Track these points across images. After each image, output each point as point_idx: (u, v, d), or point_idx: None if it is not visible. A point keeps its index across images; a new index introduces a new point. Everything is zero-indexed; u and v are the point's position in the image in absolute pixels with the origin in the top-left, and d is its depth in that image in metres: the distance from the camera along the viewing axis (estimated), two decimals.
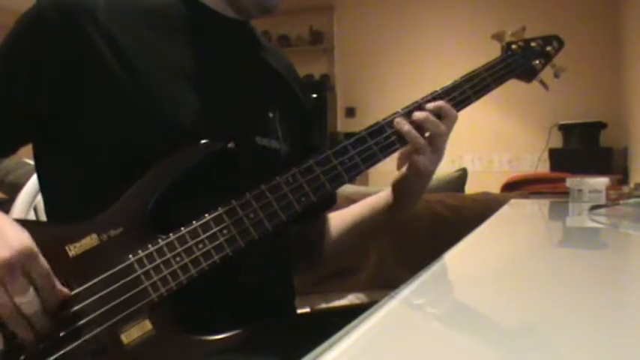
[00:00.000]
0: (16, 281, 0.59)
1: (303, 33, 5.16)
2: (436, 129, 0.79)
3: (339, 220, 0.98)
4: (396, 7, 4.87)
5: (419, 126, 0.79)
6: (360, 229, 0.95)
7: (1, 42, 0.74)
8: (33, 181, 1.11)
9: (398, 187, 0.89)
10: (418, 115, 0.79)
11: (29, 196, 1.10)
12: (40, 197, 1.10)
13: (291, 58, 1.00)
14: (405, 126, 0.78)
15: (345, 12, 5.09)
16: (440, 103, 0.80)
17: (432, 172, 0.83)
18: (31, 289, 0.60)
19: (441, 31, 4.74)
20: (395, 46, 4.88)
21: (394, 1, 4.89)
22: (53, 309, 0.62)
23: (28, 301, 0.59)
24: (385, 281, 1.74)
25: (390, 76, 4.87)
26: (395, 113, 0.80)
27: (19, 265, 0.59)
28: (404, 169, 0.85)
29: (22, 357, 0.61)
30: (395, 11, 4.87)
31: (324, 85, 4.97)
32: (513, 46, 0.93)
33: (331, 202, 0.99)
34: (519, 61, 0.91)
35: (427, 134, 0.80)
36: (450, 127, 0.81)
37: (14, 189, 1.13)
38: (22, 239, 0.61)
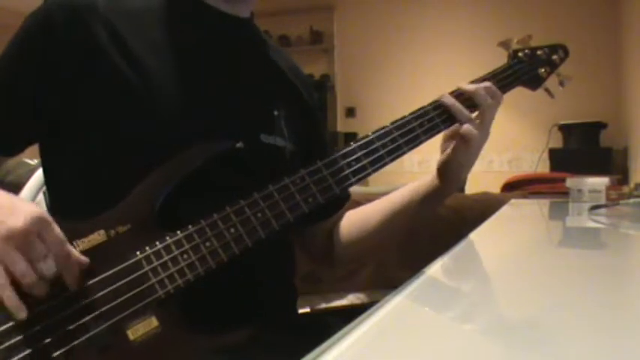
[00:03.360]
0: (35, 248, 0.59)
1: (303, 33, 5.16)
2: (484, 101, 0.81)
3: (359, 218, 0.96)
4: (396, 7, 4.87)
5: (468, 98, 0.82)
6: (404, 215, 0.92)
7: (9, 41, 0.75)
8: (33, 181, 1.11)
9: (445, 167, 0.86)
10: (468, 87, 0.82)
11: (29, 196, 1.11)
12: (40, 197, 1.10)
13: (292, 57, 1.00)
14: (450, 99, 0.81)
15: (345, 12, 5.08)
16: (487, 83, 0.83)
17: (480, 146, 0.83)
18: (50, 256, 0.60)
19: (441, 32, 4.74)
20: (395, 46, 4.88)
21: (394, 2, 4.89)
22: (71, 278, 0.62)
23: (50, 265, 0.60)
24: (385, 281, 1.74)
25: (390, 76, 4.86)
26: (403, 117, 0.81)
27: (34, 233, 0.59)
28: (448, 150, 0.85)
29: (29, 352, 0.61)
30: (395, 11, 4.87)
31: (324, 85, 4.97)
32: (519, 54, 0.94)
33: (343, 202, 0.98)
34: (525, 69, 0.92)
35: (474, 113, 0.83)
36: (496, 106, 0.83)
37: (14, 189, 1.13)
38: (34, 209, 0.61)
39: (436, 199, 0.89)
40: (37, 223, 0.60)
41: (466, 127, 0.81)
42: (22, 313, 0.60)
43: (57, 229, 0.61)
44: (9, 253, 0.59)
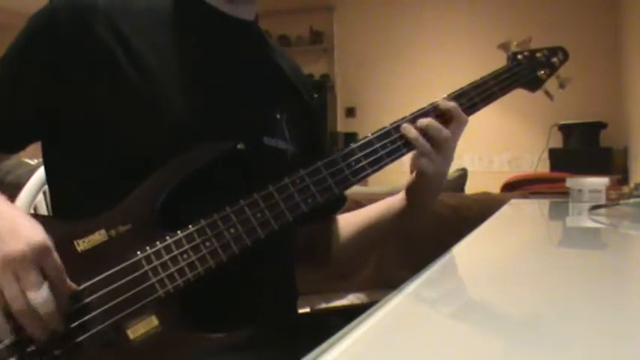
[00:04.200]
0: (30, 275, 0.59)
1: (303, 33, 5.16)
2: (439, 134, 0.80)
3: (352, 221, 0.98)
4: (396, 7, 4.87)
5: (423, 131, 0.80)
6: (378, 230, 0.95)
7: (14, 40, 0.75)
8: (33, 181, 1.11)
9: (410, 190, 0.89)
10: (422, 121, 0.80)
11: (29, 196, 1.11)
12: (40, 197, 1.10)
13: (293, 58, 1.00)
14: (411, 132, 0.79)
15: (345, 12, 5.08)
16: (451, 103, 0.82)
17: (440, 174, 0.83)
18: (45, 285, 0.60)
19: (441, 31, 4.74)
20: (395, 46, 4.87)
21: (394, 2, 4.89)
22: (63, 305, 0.62)
23: (41, 296, 0.59)
24: (385, 281, 1.74)
25: (390, 76, 4.86)
26: (403, 118, 0.81)
27: (33, 260, 0.60)
28: (414, 175, 0.86)
29: (30, 350, 0.62)
30: (395, 11, 4.87)
31: (324, 85, 4.97)
32: (519, 56, 0.94)
33: (340, 204, 0.99)
34: (525, 71, 0.93)
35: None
36: (457, 130, 0.82)
37: (14, 189, 1.13)
38: (37, 234, 0.61)
39: (403, 219, 0.92)
40: (37, 249, 0.60)
41: (421, 161, 0.80)
42: (6, 337, 0.60)
43: (55, 257, 0.62)
44: (5, 277, 0.59)
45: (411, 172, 0.86)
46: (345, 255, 0.98)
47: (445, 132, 0.80)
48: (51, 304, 0.60)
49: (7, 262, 0.59)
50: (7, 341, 0.61)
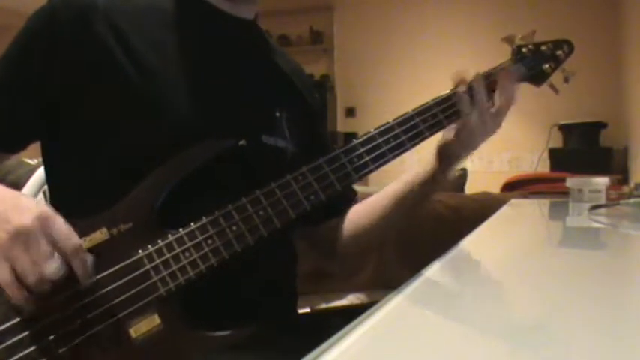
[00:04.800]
0: (41, 245, 0.59)
1: (303, 33, 5.16)
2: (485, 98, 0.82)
3: (364, 209, 0.96)
4: (396, 7, 4.86)
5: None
6: (396, 212, 0.92)
7: (14, 39, 0.75)
8: (33, 181, 1.11)
9: (446, 149, 0.86)
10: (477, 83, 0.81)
11: (29, 196, 1.10)
12: (40, 197, 1.10)
13: (294, 58, 1.00)
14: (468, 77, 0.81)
15: (345, 12, 5.08)
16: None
17: (489, 133, 0.84)
18: (56, 254, 0.60)
19: (441, 32, 4.74)
20: (395, 46, 4.87)
21: (394, 2, 4.88)
22: (82, 270, 0.62)
23: (54, 264, 0.59)
24: (385, 281, 1.74)
25: (390, 76, 4.86)
26: (405, 114, 0.80)
27: (39, 229, 0.59)
28: (450, 130, 0.84)
29: (32, 348, 0.62)
30: (395, 11, 4.87)
31: (324, 85, 4.96)
32: (523, 50, 0.93)
33: (351, 201, 0.98)
34: (529, 65, 0.92)
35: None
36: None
37: (14, 189, 1.13)
38: (38, 204, 0.61)
39: (434, 182, 0.89)
40: (42, 219, 0.60)
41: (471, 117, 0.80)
42: (29, 308, 0.60)
43: (62, 224, 0.61)
44: (14, 252, 0.59)
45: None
46: (364, 240, 0.96)
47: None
48: (64, 271, 0.60)
49: (15, 236, 0.59)
50: (10, 339, 0.61)
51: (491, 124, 0.82)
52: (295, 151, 0.85)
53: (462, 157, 0.86)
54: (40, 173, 1.09)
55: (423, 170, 0.89)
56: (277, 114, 0.84)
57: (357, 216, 0.96)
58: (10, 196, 0.63)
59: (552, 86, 0.95)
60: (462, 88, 0.81)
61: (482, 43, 4.02)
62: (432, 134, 0.81)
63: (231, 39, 0.84)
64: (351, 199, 0.98)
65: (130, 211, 0.68)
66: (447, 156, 0.86)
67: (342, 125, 5.07)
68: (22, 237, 0.59)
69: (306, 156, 0.78)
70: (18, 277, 0.59)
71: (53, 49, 0.72)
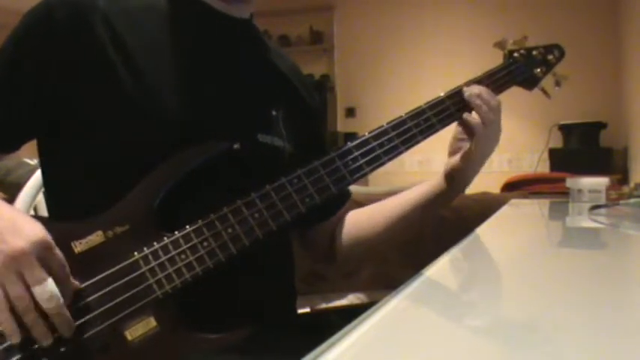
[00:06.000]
0: (34, 271, 0.59)
1: (303, 33, 5.15)
2: (491, 99, 0.84)
3: (365, 217, 0.96)
4: (396, 7, 4.86)
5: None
6: (399, 225, 0.93)
7: (8, 37, 0.75)
8: (33, 181, 1.11)
9: (456, 171, 0.88)
10: (475, 86, 0.84)
11: (29, 196, 1.10)
12: (40, 197, 1.10)
13: (291, 58, 1.00)
14: (473, 90, 0.83)
15: (345, 12, 5.08)
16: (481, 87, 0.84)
17: (493, 146, 0.86)
18: (50, 279, 0.60)
19: (440, 32, 4.73)
20: (395, 46, 4.87)
21: (394, 2, 4.88)
22: (67, 301, 0.62)
23: (47, 291, 0.59)
24: (385, 281, 1.74)
25: (390, 76, 4.86)
26: (399, 117, 0.80)
27: (36, 256, 0.59)
28: (457, 156, 0.86)
29: (27, 354, 0.61)
30: (395, 11, 4.86)
31: (324, 85, 4.96)
32: (515, 54, 0.94)
33: (344, 201, 0.98)
34: (521, 69, 0.93)
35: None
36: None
37: (14, 189, 1.13)
38: (37, 230, 0.61)
39: (442, 202, 0.90)
40: (39, 245, 0.60)
41: (473, 125, 0.82)
42: (15, 338, 0.60)
43: (58, 252, 0.62)
44: (8, 276, 0.59)
45: (451, 153, 0.87)
46: (363, 248, 0.96)
47: (496, 99, 0.83)
48: (57, 299, 0.60)
49: (10, 260, 0.59)
50: (5, 342, 0.61)
51: (496, 132, 0.85)
52: (292, 150, 0.85)
53: (472, 176, 0.88)
54: (40, 173, 1.09)
55: (432, 189, 0.91)
56: (274, 113, 0.84)
57: (359, 223, 0.96)
58: (9, 217, 0.63)
59: (544, 90, 0.96)
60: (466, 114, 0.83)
61: (482, 43, 4.01)
62: (424, 137, 0.82)
63: (227, 38, 0.84)
64: (345, 200, 0.98)
65: (126, 214, 0.68)
66: (457, 182, 0.88)
67: (342, 125, 5.07)
68: (16, 261, 0.59)
69: (303, 155, 0.78)
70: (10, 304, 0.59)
71: (48, 47, 0.71)
